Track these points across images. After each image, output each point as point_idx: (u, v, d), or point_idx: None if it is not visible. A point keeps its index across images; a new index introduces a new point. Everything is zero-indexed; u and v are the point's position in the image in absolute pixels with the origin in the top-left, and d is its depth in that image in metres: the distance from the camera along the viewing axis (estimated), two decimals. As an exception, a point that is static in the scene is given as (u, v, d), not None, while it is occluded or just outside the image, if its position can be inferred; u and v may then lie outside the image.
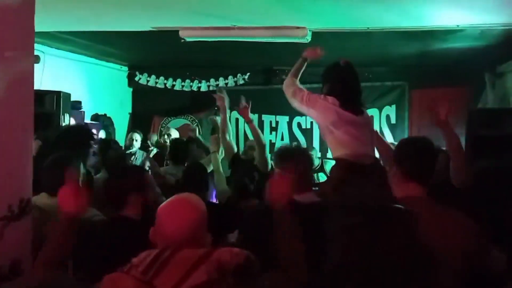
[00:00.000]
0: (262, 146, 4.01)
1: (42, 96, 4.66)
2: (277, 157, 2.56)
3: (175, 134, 6.20)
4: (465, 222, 1.92)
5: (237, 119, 7.24)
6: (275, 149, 2.78)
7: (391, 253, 1.43)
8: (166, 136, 6.18)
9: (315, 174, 6.12)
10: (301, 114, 7.03)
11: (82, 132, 3.70)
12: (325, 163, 6.28)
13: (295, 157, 2.47)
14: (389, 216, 1.56)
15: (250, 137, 7.16)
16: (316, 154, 6.21)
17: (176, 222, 1.62)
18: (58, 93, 4.88)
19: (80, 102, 5.74)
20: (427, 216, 1.71)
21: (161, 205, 1.68)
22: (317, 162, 6.20)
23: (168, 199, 1.70)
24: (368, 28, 4.43)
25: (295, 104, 3.16)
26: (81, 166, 2.64)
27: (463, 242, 1.85)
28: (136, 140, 5.80)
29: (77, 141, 3.34)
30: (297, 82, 3.21)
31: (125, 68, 7.49)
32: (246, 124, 4.22)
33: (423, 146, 2.16)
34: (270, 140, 7.19)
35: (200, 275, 1.41)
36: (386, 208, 1.62)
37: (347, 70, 3.08)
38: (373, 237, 1.47)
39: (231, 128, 4.24)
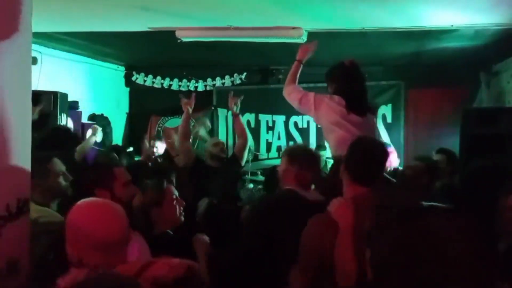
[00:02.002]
0: (246, 140, 4.27)
1: (39, 96, 4.67)
2: (293, 155, 2.55)
3: (161, 147, 5.54)
4: None
5: (233, 117, 7.27)
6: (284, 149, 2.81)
7: None
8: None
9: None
10: (297, 114, 7.09)
11: (67, 135, 3.75)
12: (327, 162, 6.29)
13: (309, 157, 2.55)
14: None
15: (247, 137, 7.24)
16: (326, 154, 6.23)
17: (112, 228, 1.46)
18: (55, 93, 4.90)
19: (77, 102, 5.76)
20: None
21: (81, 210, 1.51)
22: (322, 162, 6.18)
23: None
24: (363, 28, 4.45)
25: (305, 111, 3.12)
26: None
27: None
28: (157, 147, 5.58)
29: (62, 144, 3.37)
30: (298, 86, 3.14)
31: (122, 68, 7.50)
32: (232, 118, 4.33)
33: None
34: (267, 140, 7.22)
35: None
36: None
37: (353, 70, 3.07)
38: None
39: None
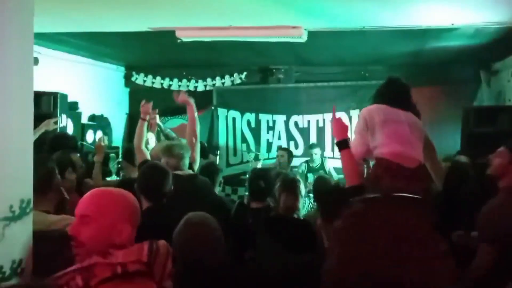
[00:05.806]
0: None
1: (39, 97, 4.67)
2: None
3: (151, 140, 5.29)
4: None
5: (234, 118, 7.27)
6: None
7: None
8: None
9: (316, 173, 6.15)
10: (298, 113, 7.10)
11: (64, 139, 3.75)
12: (324, 160, 6.30)
13: None
14: None
15: (248, 137, 7.25)
16: (318, 151, 6.22)
17: None
18: (55, 94, 4.91)
19: (77, 103, 5.76)
20: None
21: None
22: (318, 160, 6.19)
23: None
24: (363, 27, 4.45)
25: (367, 137, 2.62)
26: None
27: None
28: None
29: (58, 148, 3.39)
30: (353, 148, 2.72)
31: (122, 68, 7.50)
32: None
33: None
34: (267, 139, 7.22)
35: None
36: None
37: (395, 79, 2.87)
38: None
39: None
